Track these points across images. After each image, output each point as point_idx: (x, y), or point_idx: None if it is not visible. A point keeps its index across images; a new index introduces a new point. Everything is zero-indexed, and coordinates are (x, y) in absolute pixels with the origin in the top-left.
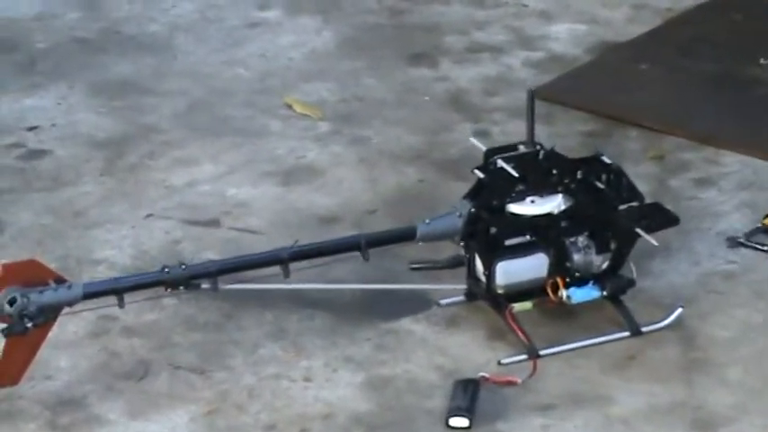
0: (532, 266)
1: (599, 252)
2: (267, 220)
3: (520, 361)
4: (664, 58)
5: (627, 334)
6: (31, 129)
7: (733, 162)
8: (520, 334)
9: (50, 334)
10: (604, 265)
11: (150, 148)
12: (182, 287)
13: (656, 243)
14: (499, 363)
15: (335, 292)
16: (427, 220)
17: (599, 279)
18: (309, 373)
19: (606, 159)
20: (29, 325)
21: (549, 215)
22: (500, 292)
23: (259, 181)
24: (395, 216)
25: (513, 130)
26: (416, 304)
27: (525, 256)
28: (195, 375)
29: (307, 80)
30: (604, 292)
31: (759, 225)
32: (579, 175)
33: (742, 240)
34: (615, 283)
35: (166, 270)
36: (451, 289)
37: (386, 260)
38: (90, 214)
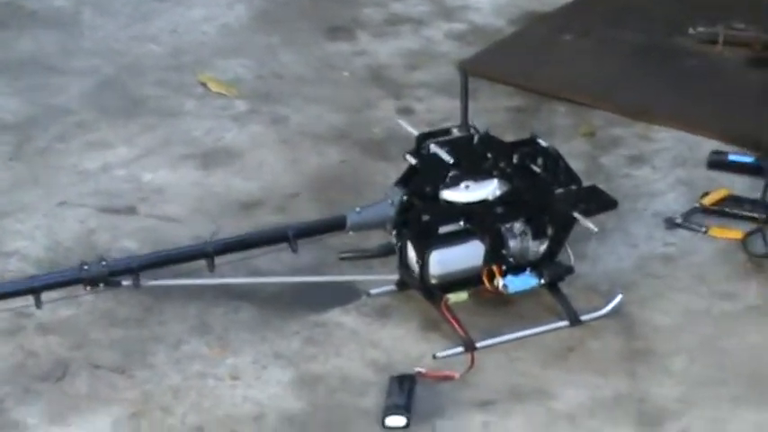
0: (467, 255)
1: (535, 238)
2: (186, 206)
3: (456, 354)
4: (590, 28)
5: (566, 323)
6: None
7: (666, 138)
8: (456, 326)
9: None
10: (541, 252)
11: (60, 130)
12: (101, 284)
13: (595, 228)
14: (434, 356)
15: (253, 285)
16: (358, 209)
17: (536, 266)
18: (237, 370)
19: (542, 142)
20: None
21: (484, 201)
22: (434, 282)
23: (176, 165)
24: (318, 199)
25: (438, 107)
26: (345, 294)
27: (460, 244)
28: (116, 375)
29: (221, 56)
30: (542, 280)
31: (696, 205)
32: (515, 159)
33: (679, 222)
34: (553, 271)
35: (85, 267)
36: (382, 279)
37: (313, 249)
38: None
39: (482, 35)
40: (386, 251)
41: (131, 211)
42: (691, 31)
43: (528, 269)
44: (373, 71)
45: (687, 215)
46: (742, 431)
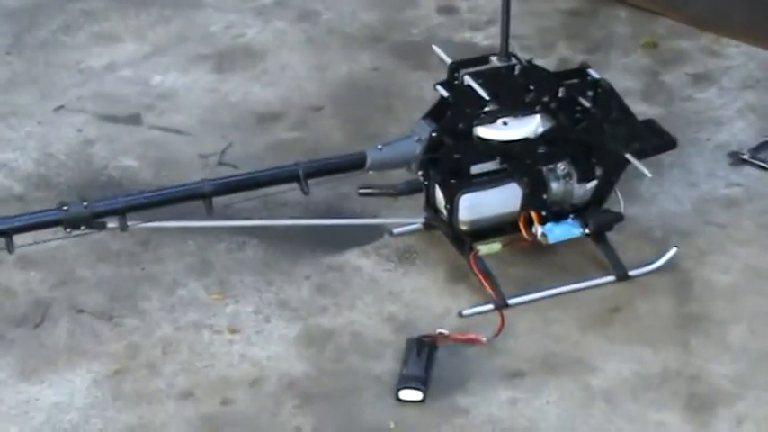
0: (502, 199)
1: (581, 181)
2: (196, 116)
3: (485, 312)
4: None
5: (612, 279)
6: None
7: (736, 54)
8: (485, 283)
9: None
10: (587, 197)
11: (65, 19)
12: (84, 227)
13: (649, 174)
14: (460, 314)
15: (266, 209)
16: (380, 146)
17: (581, 213)
18: (236, 321)
19: (593, 73)
20: None
21: (524, 140)
22: (464, 228)
23: (189, 66)
24: (344, 116)
25: (482, 5)
26: (365, 232)
27: (494, 187)
28: (101, 322)
29: None
30: (586, 230)
31: (767, 139)
32: (561, 92)
33: (746, 157)
34: (600, 219)
35: (65, 208)
36: (406, 222)
37: (330, 180)
38: None
39: None
40: (412, 188)
41: (135, 120)
42: None
43: (571, 216)
44: None
45: (756, 150)
46: None
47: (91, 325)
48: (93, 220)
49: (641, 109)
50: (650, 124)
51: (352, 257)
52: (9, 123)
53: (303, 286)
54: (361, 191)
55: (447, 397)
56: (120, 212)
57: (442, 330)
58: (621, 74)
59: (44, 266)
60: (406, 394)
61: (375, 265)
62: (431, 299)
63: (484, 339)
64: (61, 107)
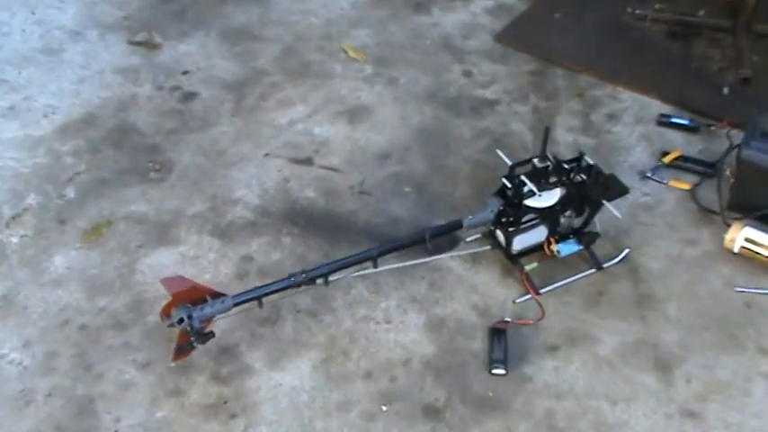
0: (535, 235)
1: (577, 216)
2: (343, 157)
3: (527, 300)
4: (569, 7)
5: (593, 270)
6: (185, 73)
7: (628, 98)
8: (528, 288)
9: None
10: (579, 224)
11: (262, 90)
12: (302, 286)
13: (619, 215)
14: (514, 302)
15: (391, 226)
16: (470, 216)
17: (576, 235)
18: (388, 314)
19: (588, 159)
20: (195, 345)
21: (551, 206)
22: (514, 252)
23: (334, 120)
24: (423, 152)
25: (486, 71)
26: (448, 240)
27: (531, 230)
28: (311, 319)
29: (353, 27)
30: (581, 246)
31: (659, 163)
32: (571, 175)
33: (649, 175)
34: (589, 237)
35: (292, 278)
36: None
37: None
38: (228, 153)
39: (505, 10)
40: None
41: (309, 161)
42: (629, 10)
43: (571, 237)
44: (444, 39)
45: (654, 170)
46: (727, 375)
47: (306, 322)
48: (308, 281)
49: (584, 140)
50: (613, 177)
51: (446, 260)
52: (239, 167)
53: (422, 284)
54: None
55: (518, 368)
56: (325, 275)
57: (508, 318)
58: (567, 116)
59: (274, 275)
60: (496, 370)
61: (459, 266)
62: (494, 290)
63: (531, 322)
64: (267, 154)
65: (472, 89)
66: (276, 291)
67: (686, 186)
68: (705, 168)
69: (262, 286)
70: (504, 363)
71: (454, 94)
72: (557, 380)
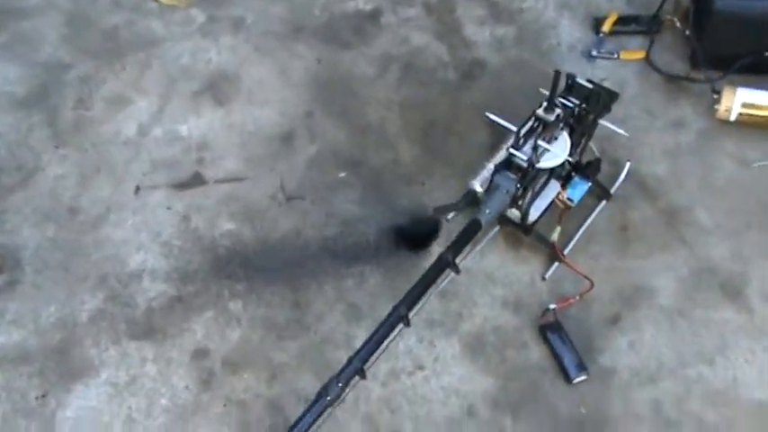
0: (547, 194)
1: (575, 149)
2: (237, 157)
3: (556, 269)
4: None
5: (604, 203)
6: None
7: None
8: (560, 255)
9: None
10: (578, 157)
11: (74, 93)
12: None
13: (626, 133)
14: (543, 278)
15: (350, 231)
16: (487, 210)
17: (579, 170)
18: (414, 357)
19: (580, 81)
20: None
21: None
22: (531, 222)
23: (197, 107)
24: (331, 113)
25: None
26: (427, 234)
27: (542, 190)
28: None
29: None
30: (590, 181)
31: (600, 35)
32: (575, 112)
33: (595, 54)
34: (593, 168)
35: (327, 397)
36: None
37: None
38: (84, 207)
39: None
40: (470, 202)
41: (198, 179)
42: None
43: (574, 176)
44: None
45: (597, 45)
46: None
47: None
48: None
49: (502, 30)
50: (597, 91)
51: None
52: (112, 222)
53: (431, 299)
54: (435, 208)
55: (592, 362)
56: (360, 370)
57: (553, 306)
58: (468, 6)
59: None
60: (578, 379)
61: (458, 258)
62: (514, 271)
63: (577, 298)
64: (138, 188)
65: (339, 3)
66: (315, 420)
67: (640, 55)
68: (650, 26)
69: (295, 425)
70: (581, 365)
71: (323, 18)
72: (639, 359)
